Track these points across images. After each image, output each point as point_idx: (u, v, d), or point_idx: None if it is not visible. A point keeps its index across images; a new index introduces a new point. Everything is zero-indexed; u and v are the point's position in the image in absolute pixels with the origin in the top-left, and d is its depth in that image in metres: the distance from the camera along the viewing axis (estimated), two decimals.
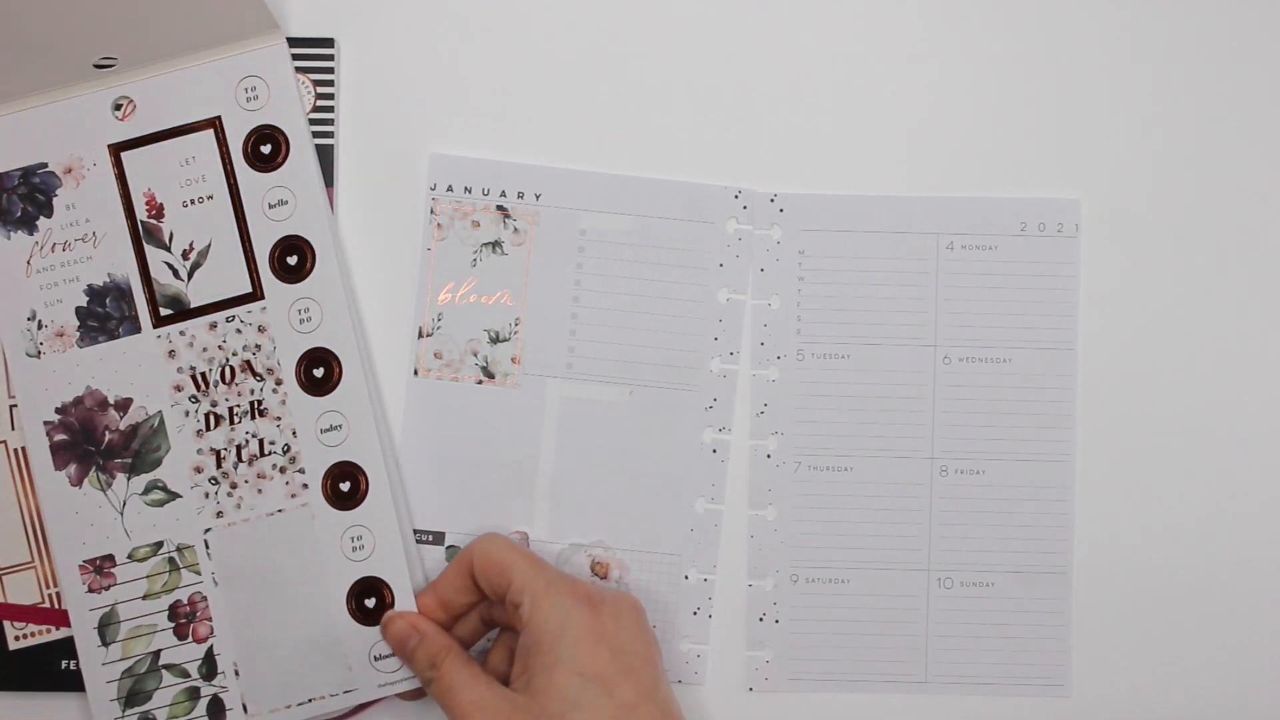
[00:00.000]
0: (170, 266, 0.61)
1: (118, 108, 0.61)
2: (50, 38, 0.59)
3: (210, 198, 0.61)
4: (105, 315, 0.60)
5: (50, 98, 0.60)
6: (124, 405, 0.60)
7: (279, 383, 0.61)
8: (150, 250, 0.61)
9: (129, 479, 0.60)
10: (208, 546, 0.60)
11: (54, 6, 0.58)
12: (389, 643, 0.59)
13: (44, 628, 0.61)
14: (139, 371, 0.60)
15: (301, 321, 0.61)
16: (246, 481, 0.60)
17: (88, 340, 0.60)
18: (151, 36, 0.60)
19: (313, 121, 0.62)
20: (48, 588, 0.61)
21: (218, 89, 0.61)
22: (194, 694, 0.60)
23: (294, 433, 0.60)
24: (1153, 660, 0.62)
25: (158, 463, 0.60)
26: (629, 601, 0.57)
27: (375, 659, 0.60)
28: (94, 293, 0.60)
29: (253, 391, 0.61)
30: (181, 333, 0.60)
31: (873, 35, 0.63)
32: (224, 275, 0.61)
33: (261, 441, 0.60)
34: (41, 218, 0.60)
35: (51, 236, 0.60)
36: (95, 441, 0.60)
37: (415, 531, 0.62)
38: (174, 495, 0.60)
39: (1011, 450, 0.62)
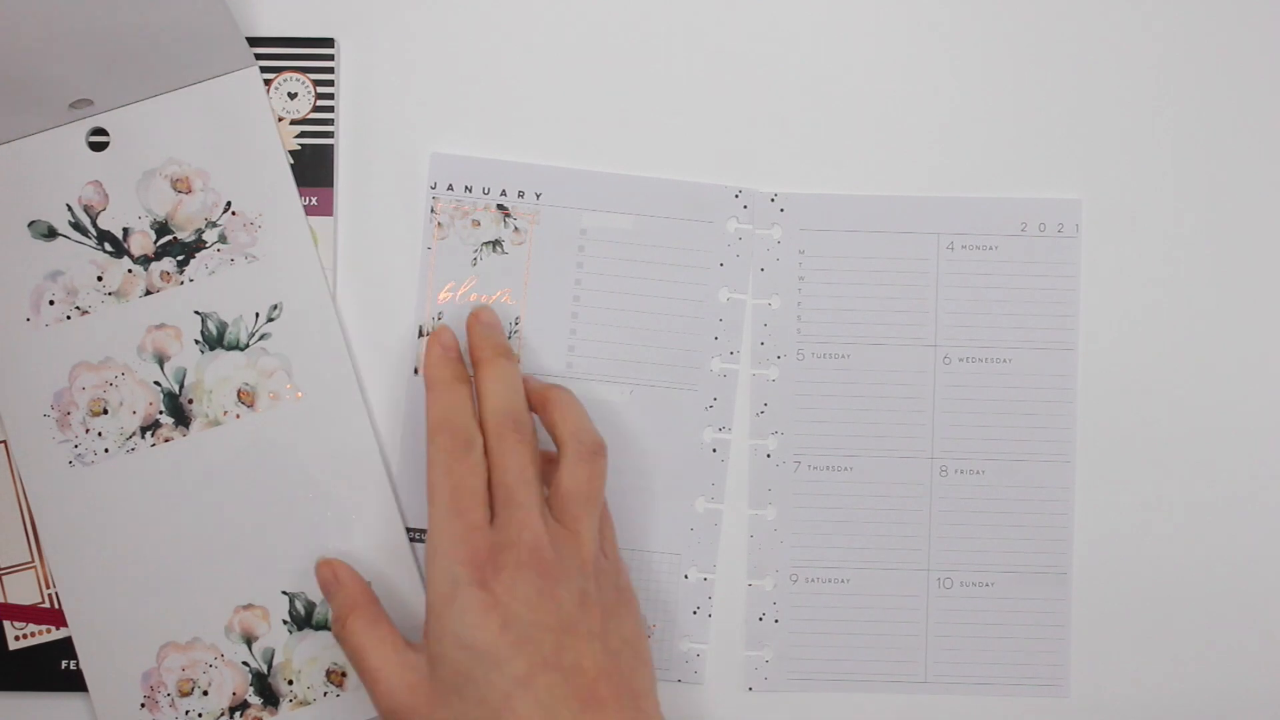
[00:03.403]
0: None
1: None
2: (26, 80, 0.58)
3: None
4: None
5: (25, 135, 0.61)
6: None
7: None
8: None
9: None
10: None
11: (30, 50, 0.57)
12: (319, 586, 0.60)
13: (44, 628, 0.61)
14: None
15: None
16: None
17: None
18: (128, 76, 0.60)
19: (312, 121, 0.62)
20: (48, 588, 0.61)
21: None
22: None
23: None
24: (1152, 660, 0.62)
25: None
26: (532, 563, 0.54)
27: None
28: None
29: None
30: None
31: (873, 36, 0.63)
32: None
33: None
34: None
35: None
36: None
37: (415, 531, 0.62)
38: None
39: (1011, 450, 0.62)
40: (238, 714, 0.60)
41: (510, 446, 0.56)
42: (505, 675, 0.52)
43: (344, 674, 0.60)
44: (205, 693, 0.60)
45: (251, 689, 0.60)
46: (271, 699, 0.60)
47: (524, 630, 0.53)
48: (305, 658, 0.60)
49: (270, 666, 0.60)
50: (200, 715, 0.60)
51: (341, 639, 0.57)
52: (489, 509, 0.56)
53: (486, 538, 0.54)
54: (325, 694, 0.60)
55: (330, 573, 0.59)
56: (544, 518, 0.55)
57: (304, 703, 0.60)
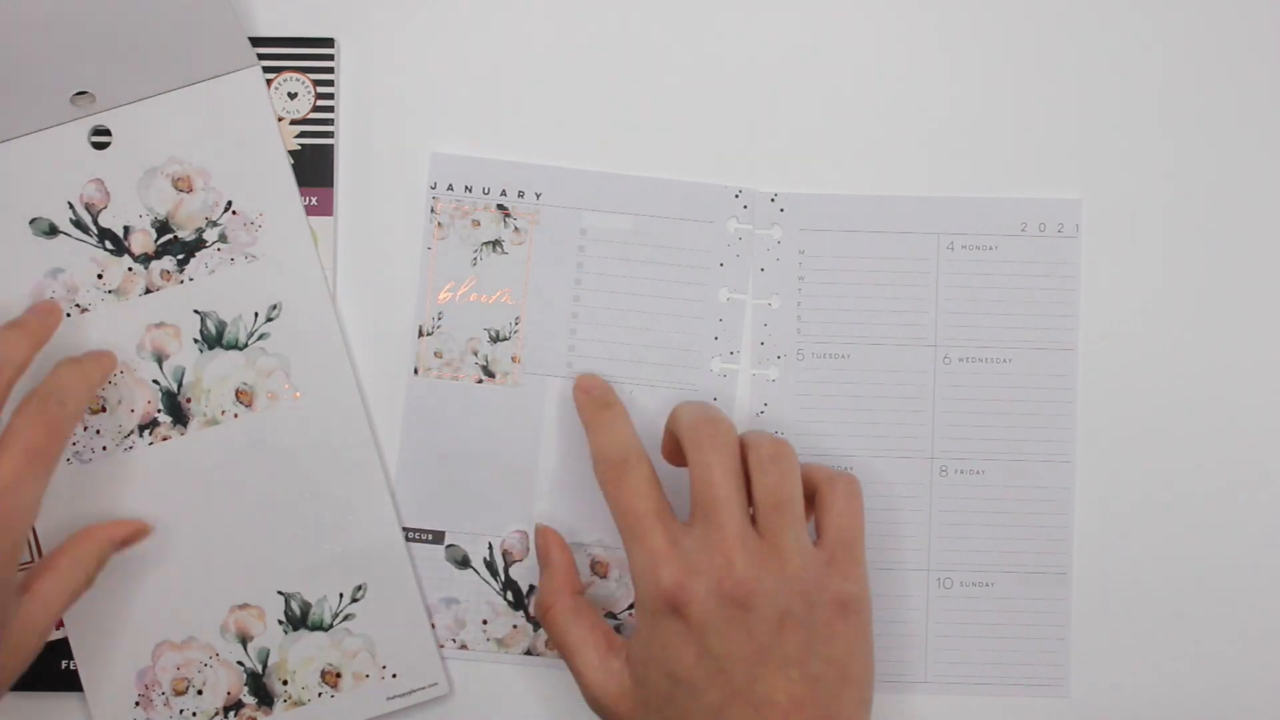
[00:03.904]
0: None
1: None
2: (28, 75, 0.59)
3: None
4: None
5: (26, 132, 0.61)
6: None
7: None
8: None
9: None
10: None
11: (32, 47, 0.58)
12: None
13: None
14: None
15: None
16: None
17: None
18: (130, 74, 0.60)
19: (312, 121, 0.62)
20: None
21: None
22: None
23: None
24: (1153, 660, 0.62)
25: None
26: (722, 589, 0.53)
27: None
28: None
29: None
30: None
31: (873, 36, 0.63)
32: None
33: None
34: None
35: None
36: None
37: (414, 530, 0.61)
38: None
39: (1011, 450, 0.62)
40: (232, 714, 0.60)
41: (703, 453, 0.55)
42: (701, 705, 0.52)
43: (338, 675, 0.60)
44: (200, 692, 0.60)
45: (246, 689, 0.60)
46: (266, 699, 0.60)
47: (717, 661, 0.53)
48: (300, 658, 0.60)
49: (265, 666, 0.60)
50: (195, 714, 0.60)
51: (545, 625, 0.58)
52: (672, 523, 0.55)
53: (674, 562, 0.54)
54: (320, 694, 0.60)
55: (545, 547, 0.59)
56: (742, 534, 0.54)
57: (298, 703, 0.60)
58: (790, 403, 0.62)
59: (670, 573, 0.53)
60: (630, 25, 0.63)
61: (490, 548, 0.62)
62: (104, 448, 0.60)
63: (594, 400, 0.59)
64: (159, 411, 0.61)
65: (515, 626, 0.62)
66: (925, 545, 0.62)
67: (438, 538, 0.62)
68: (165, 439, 0.61)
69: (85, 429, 0.60)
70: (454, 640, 0.61)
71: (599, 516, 0.62)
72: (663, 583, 0.53)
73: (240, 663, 0.60)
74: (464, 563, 0.62)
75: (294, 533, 0.60)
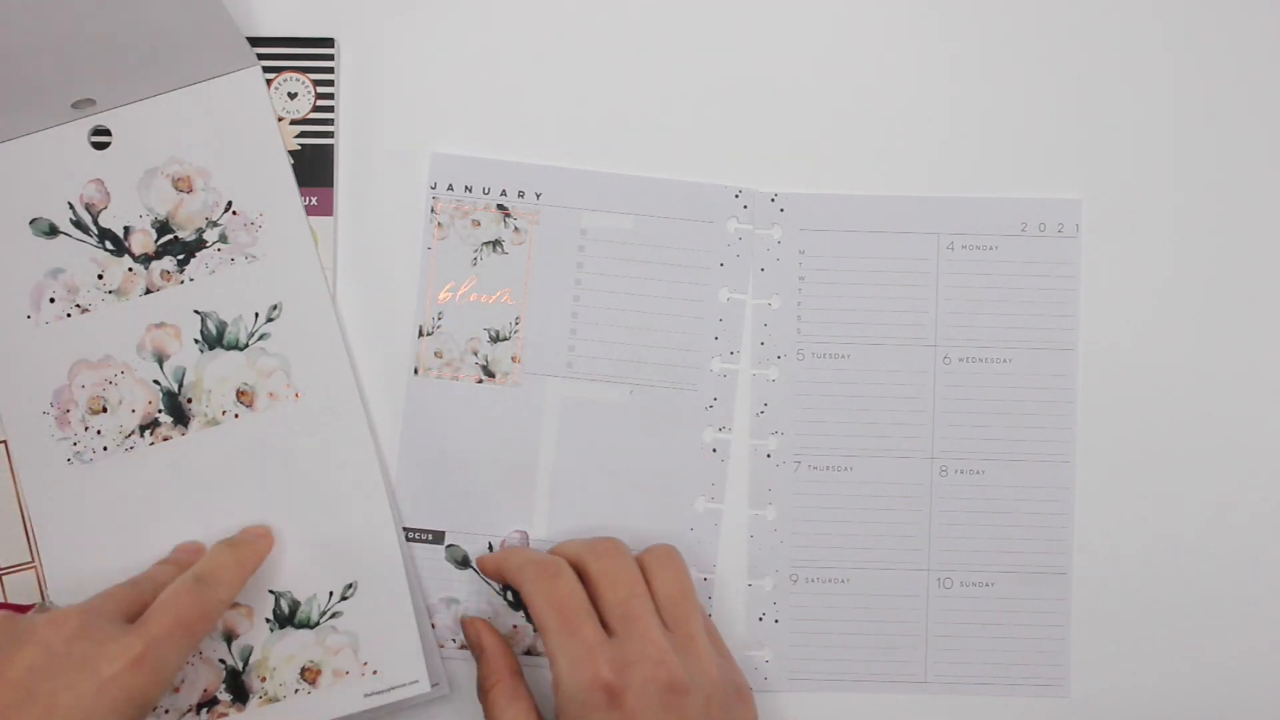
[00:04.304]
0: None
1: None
2: (27, 80, 0.59)
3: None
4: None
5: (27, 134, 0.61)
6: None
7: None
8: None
9: None
10: None
11: (32, 51, 0.58)
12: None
13: None
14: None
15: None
16: None
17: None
18: (130, 76, 0.60)
19: (312, 121, 0.62)
20: (48, 588, 0.61)
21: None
22: None
23: None
24: (1153, 660, 0.62)
25: None
26: (659, 677, 0.54)
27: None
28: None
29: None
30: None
31: (874, 37, 0.63)
32: None
33: None
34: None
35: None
36: None
37: (414, 530, 0.62)
38: None
39: (1011, 450, 0.62)
40: (205, 710, 0.60)
41: (612, 563, 0.57)
42: None
43: (319, 671, 0.60)
44: (176, 690, 0.60)
45: (224, 685, 0.60)
46: (241, 695, 0.60)
47: None
48: (282, 655, 0.60)
49: (246, 664, 0.60)
50: (167, 712, 0.60)
51: (486, 705, 0.58)
52: (601, 625, 0.56)
53: (608, 654, 0.54)
54: (296, 690, 0.60)
55: (475, 636, 0.60)
56: (662, 629, 0.56)
57: (273, 699, 0.60)
58: (790, 403, 0.62)
59: (608, 661, 0.54)
60: (630, 26, 0.63)
61: (490, 547, 0.62)
62: (105, 448, 0.60)
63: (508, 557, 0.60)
64: (160, 412, 0.61)
65: (515, 626, 0.62)
66: (925, 545, 0.62)
67: (438, 538, 0.62)
68: (166, 439, 0.61)
69: (86, 429, 0.60)
70: (454, 640, 0.62)
71: (598, 516, 0.62)
72: (601, 672, 0.54)
73: (221, 660, 0.60)
74: (464, 563, 0.62)
75: (293, 532, 0.60)
